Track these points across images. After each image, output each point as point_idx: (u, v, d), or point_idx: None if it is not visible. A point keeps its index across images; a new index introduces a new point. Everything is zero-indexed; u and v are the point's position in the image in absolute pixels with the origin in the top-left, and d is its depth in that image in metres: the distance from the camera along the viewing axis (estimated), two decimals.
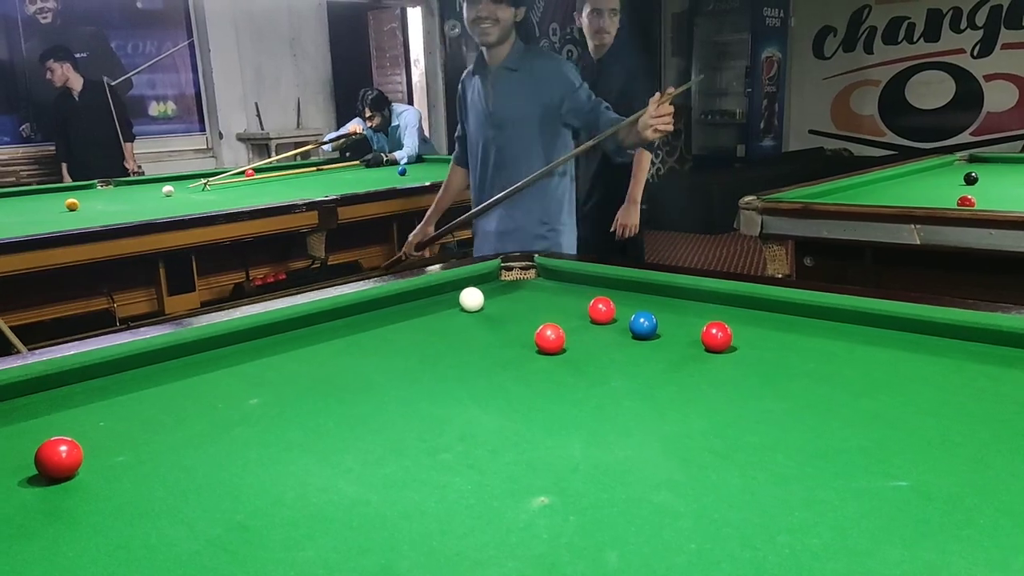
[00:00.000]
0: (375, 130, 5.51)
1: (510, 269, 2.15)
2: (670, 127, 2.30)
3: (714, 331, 1.46)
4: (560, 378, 1.42)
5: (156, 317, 3.27)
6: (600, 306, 1.69)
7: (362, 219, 3.79)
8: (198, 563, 0.89)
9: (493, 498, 1.00)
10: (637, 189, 3.39)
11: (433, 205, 3.17)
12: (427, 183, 4.08)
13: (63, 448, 1.08)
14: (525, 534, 0.91)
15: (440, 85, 8.07)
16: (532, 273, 2.14)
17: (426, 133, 6.22)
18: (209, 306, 3.44)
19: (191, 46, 7.06)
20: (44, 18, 6.08)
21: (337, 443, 1.19)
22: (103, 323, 3.16)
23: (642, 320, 1.56)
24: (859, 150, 8.07)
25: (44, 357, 1.45)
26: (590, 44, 3.61)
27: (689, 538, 0.88)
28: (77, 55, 5.66)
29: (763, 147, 8.10)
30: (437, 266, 2.23)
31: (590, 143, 2.62)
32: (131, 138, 5.65)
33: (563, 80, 2.70)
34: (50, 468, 1.08)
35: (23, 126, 6.11)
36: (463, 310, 1.82)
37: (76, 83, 5.38)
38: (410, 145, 5.35)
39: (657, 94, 2.31)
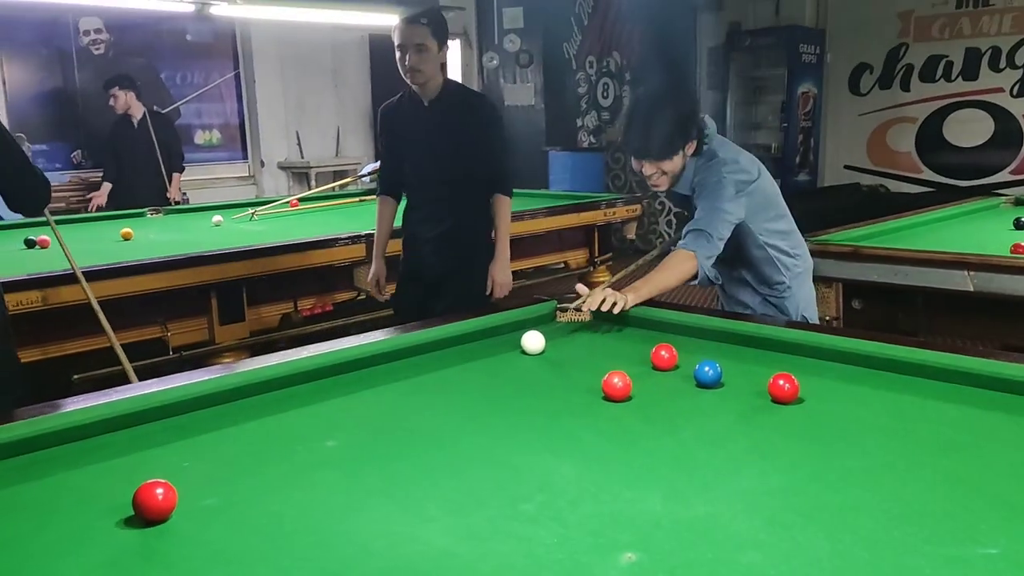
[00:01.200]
0: None
1: (564, 310, 2.17)
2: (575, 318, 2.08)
3: (781, 382, 1.48)
4: (630, 426, 1.43)
5: (207, 346, 3.33)
6: (663, 353, 1.70)
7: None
8: None
9: (580, 553, 1.02)
10: (504, 240, 3.05)
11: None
12: None
13: (159, 491, 1.12)
14: None
15: None
16: (587, 314, 2.16)
17: None
18: (257, 336, 3.50)
19: (237, 77, 7.23)
20: (97, 49, 6.26)
21: (417, 490, 1.21)
22: (156, 351, 3.21)
23: (707, 369, 1.58)
24: (896, 186, 8.02)
25: (126, 395, 1.50)
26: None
27: None
28: (127, 89, 5.81)
29: (798, 182, 8.08)
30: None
31: None
32: (181, 169, 5.78)
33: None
34: (147, 511, 1.11)
35: (74, 153, 6.28)
36: (524, 352, 1.84)
37: (137, 111, 5.53)
38: None
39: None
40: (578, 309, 2.18)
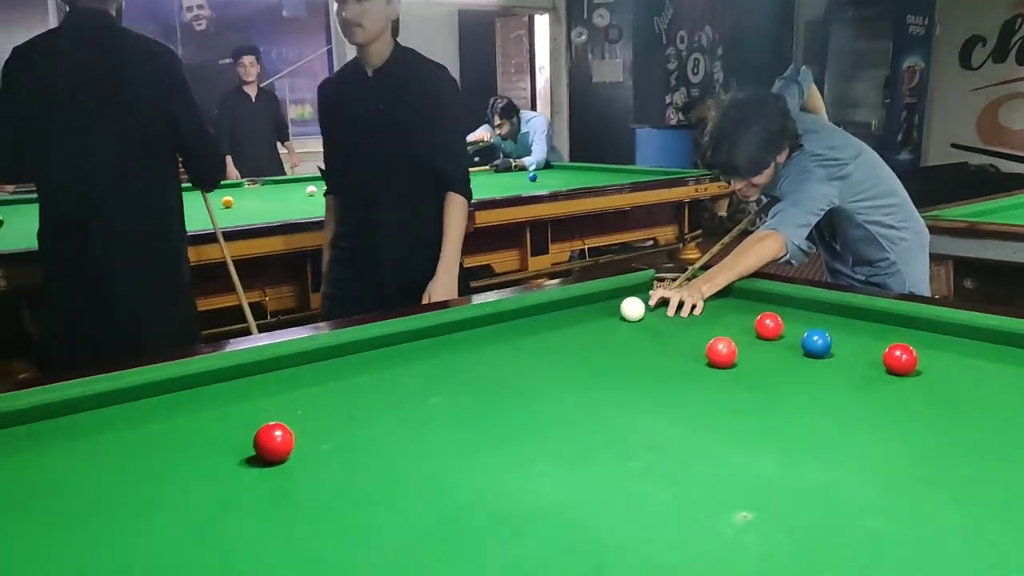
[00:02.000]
0: (504, 137, 5.59)
1: (662, 280, 2.14)
2: None
3: (898, 353, 1.42)
4: (736, 392, 1.41)
5: (302, 312, 3.42)
6: (768, 321, 1.67)
7: (497, 224, 3.85)
8: (422, 550, 0.93)
9: (694, 509, 1.01)
10: (451, 252, 2.35)
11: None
12: (560, 190, 4.12)
13: (278, 433, 1.16)
14: (735, 548, 0.92)
15: (564, 91, 8.12)
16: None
17: (553, 140, 6.27)
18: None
19: (328, 52, 7.36)
20: (199, 25, 6.46)
21: (524, 446, 1.22)
22: (256, 316, 3.32)
23: (816, 338, 1.54)
24: (1007, 166, 7.62)
25: (244, 347, 1.55)
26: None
27: (913, 568, 0.86)
28: (223, 61, 6.01)
29: (900, 160, 7.77)
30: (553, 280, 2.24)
31: None
32: (288, 138, 6.07)
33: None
34: (267, 452, 1.15)
35: None
36: (623, 319, 1.83)
37: (254, 85, 5.74)
38: (539, 152, 5.41)
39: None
40: (674, 280, 2.15)
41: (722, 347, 1.50)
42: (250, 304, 3.33)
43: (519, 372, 1.56)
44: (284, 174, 5.68)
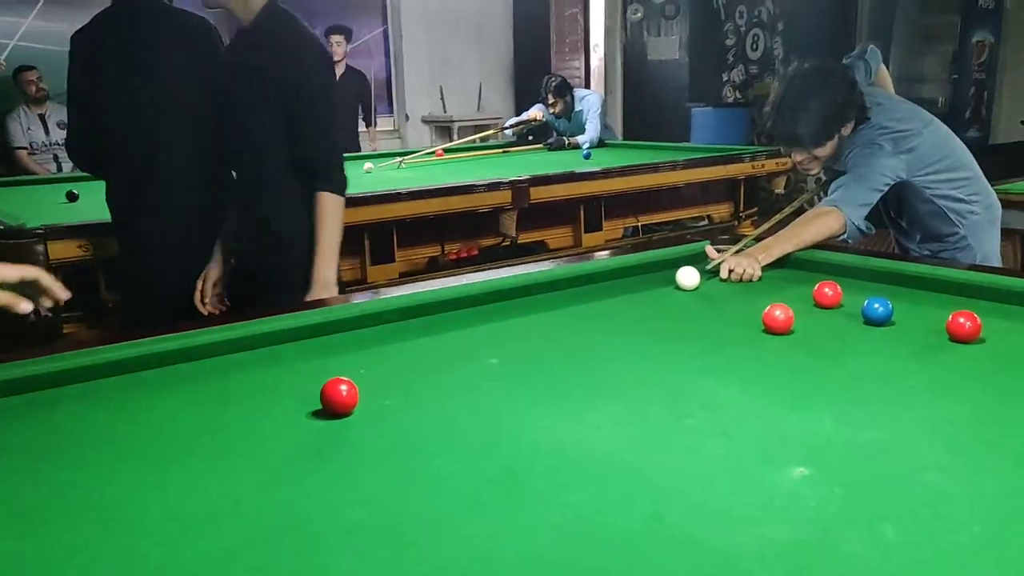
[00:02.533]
0: (557, 116, 5.59)
1: (719, 251, 2.14)
2: None
3: (962, 320, 1.41)
4: (793, 357, 1.41)
5: (359, 285, 3.49)
6: (826, 290, 1.66)
7: (552, 200, 3.87)
8: (479, 496, 0.97)
9: (749, 463, 1.03)
10: (325, 259, 2.05)
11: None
12: (614, 167, 4.11)
13: (344, 388, 1.20)
14: (790, 500, 0.93)
15: (619, 70, 8.05)
16: None
17: (607, 118, 6.25)
18: (407, 277, 3.63)
19: (385, 33, 7.43)
20: None
21: (580, 403, 1.25)
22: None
23: (876, 305, 1.53)
24: None
25: (310, 310, 1.61)
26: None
27: (969, 519, 0.87)
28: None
29: (968, 138, 7.53)
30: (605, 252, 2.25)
31: None
32: (373, 122, 6.18)
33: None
34: (333, 404, 1.20)
35: None
36: (679, 288, 1.83)
37: (341, 65, 5.80)
38: (592, 130, 5.40)
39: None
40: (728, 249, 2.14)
41: (779, 313, 1.50)
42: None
43: (576, 336, 1.58)
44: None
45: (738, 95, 8.18)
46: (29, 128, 5.53)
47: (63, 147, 5.61)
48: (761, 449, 1.06)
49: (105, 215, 2.49)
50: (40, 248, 2.49)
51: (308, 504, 0.97)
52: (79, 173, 4.86)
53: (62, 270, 2.52)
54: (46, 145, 5.60)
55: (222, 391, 1.34)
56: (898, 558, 0.80)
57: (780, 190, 4.96)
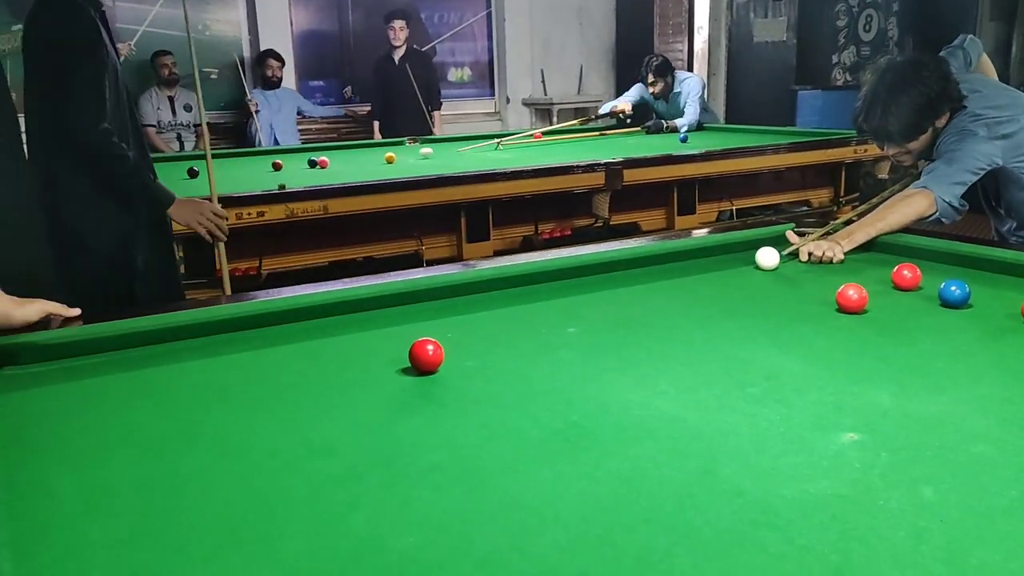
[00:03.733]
0: (656, 96, 5.58)
1: (802, 235, 2.16)
2: None
3: None
4: (863, 336, 1.45)
5: (455, 262, 3.63)
6: (905, 272, 1.67)
7: (645, 182, 3.91)
8: (548, 446, 1.06)
9: (802, 428, 1.09)
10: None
11: None
12: (709, 150, 4.11)
13: (430, 347, 1.32)
14: (836, 461, 0.99)
15: (723, 52, 7.93)
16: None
17: (707, 102, 6.19)
18: (501, 255, 3.75)
19: (488, 16, 7.55)
20: None
21: (649, 370, 1.33)
22: (411, 264, 3.56)
23: (954, 288, 1.53)
24: None
25: (400, 278, 1.74)
26: None
27: (1010, 485, 0.91)
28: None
29: None
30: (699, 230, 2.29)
31: None
32: (438, 106, 6.16)
33: None
34: (420, 363, 1.31)
35: (345, 88, 6.92)
36: (758, 267, 1.87)
37: (401, 48, 5.98)
38: (691, 113, 5.37)
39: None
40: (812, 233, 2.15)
41: (852, 292, 1.53)
42: (406, 254, 3.58)
43: (651, 310, 1.66)
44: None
45: (848, 77, 7.92)
46: (159, 108, 5.93)
47: (186, 127, 6.00)
48: (815, 416, 1.12)
49: (221, 190, 2.70)
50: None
51: (393, 446, 1.08)
52: (197, 152, 5.19)
53: (183, 238, 2.75)
54: (171, 125, 5.99)
55: (317, 348, 1.48)
56: (931, 514, 0.85)
57: (884, 175, 4.83)
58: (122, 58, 5.86)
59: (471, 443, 1.08)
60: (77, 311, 1.50)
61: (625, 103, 5.74)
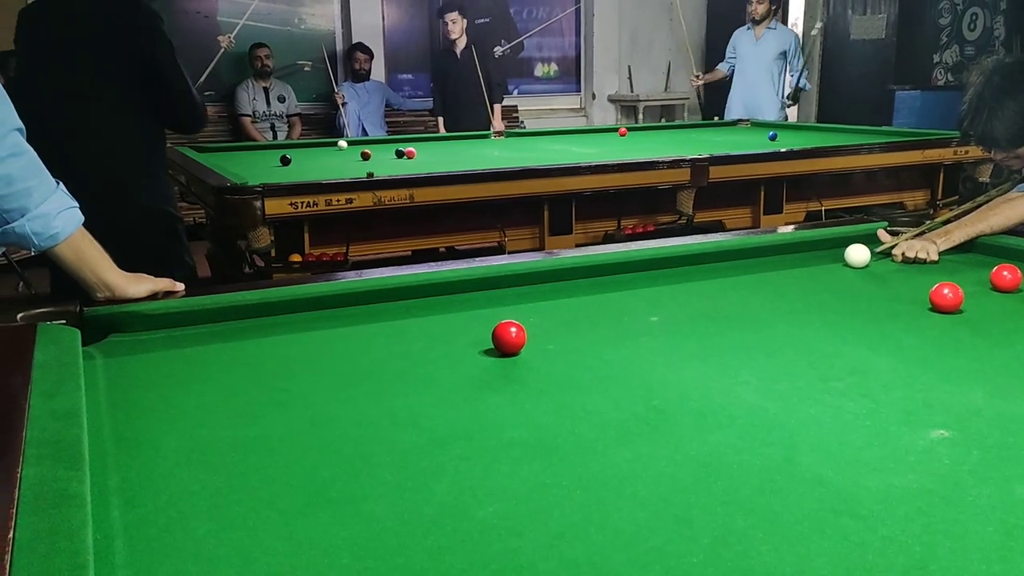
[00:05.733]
0: (757, 19, 5.53)
1: (895, 233, 2.10)
2: None
3: None
4: (957, 335, 1.40)
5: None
6: (1005, 273, 1.61)
7: (731, 180, 3.85)
8: (627, 428, 1.07)
9: (889, 423, 1.06)
10: None
11: None
12: (798, 148, 4.03)
13: (513, 330, 1.34)
14: (924, 456, 0.97)
15: (817, 49, 7.72)
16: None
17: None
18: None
19: (577, 12, 7.55)
20: None
21: (731, 360, 1.32)
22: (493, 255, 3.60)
23: None
24: None
25: (486, 264, 1.77)
26: None
27: None
28: (480, 20, 6.34)
29: None
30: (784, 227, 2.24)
31: None
32: (499, 99, 6.12)
33: None
34: (503, 344, 1.34)
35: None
36: (847, 265, 1.83)
37: (462, 42, 5.96)
38: (800, 66, 5.29)
39: None
40: (906, 232, 2.09)
41: (947, 291, 1.49)
42: (488, 247, 3.62)
43: (735, 303, 1.64)
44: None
45: (950, 78, 7.61)
46: (254, 98, 6.15)
47: (279, 118, 6.20)
48: (904, 412, 1.09)
49: (312, 177, 2.80)
50: (258, 204, 2.83)
51: (474, 421, 1.11)
52: (291, 140, 5.35)
53: (274, 223, 2.85)
54: (265, 115, 6.20)
55: (406, 328, 1.52)
56: (1023, 512, 0.83)
57: (986, 178, 4.63)
58: (222, 50, 6.12)
59: (550, 422, 1.10)
60: (182, 286, 1.58)
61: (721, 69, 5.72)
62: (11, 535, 0.68)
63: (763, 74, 5.50)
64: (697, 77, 6.16)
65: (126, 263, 1.53)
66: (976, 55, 7.41)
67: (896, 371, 1.25)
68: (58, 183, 1.45)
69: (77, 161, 2.43)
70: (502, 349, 1.34)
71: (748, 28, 5.58)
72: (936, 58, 7.61)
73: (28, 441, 0.87)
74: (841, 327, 1.46)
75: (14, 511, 0.72)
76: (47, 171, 1.42)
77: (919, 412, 1.09)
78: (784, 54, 5.56)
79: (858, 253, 1.82)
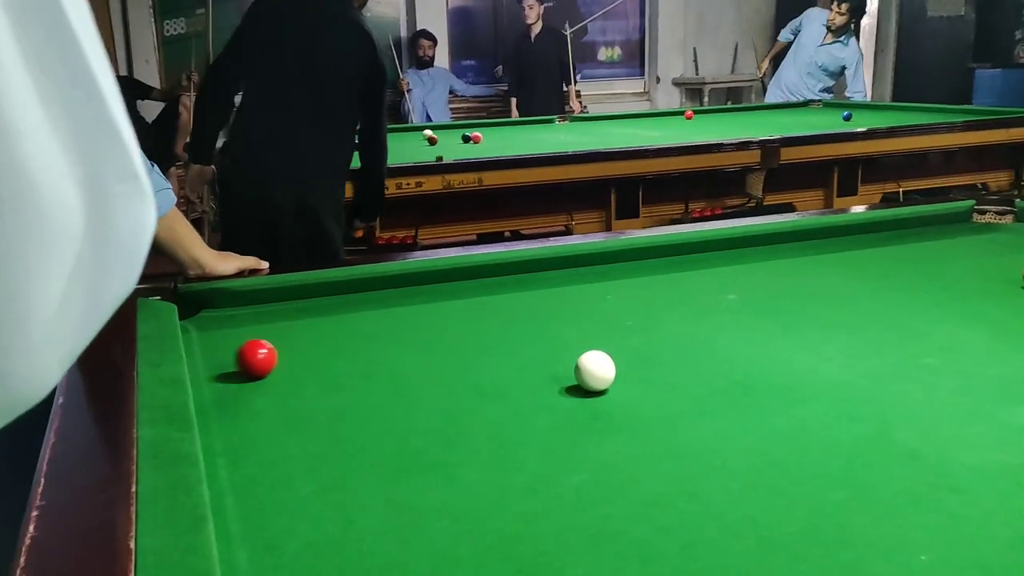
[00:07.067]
0: (833, 30, 5.39)
1: (983, 212, 2.04)
2: None
3: None
4: None
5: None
6: None
7: (803, 161, 3.77)
8: (710, 402, 1.07)
9: (983, 399, 1.04)
10: None
11: None
12: (874, 128, 3.92)
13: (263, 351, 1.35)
14: (1020, 433, 0.95)
15: (892, 27, 7.49)
16: (1010, 218, 2.01)
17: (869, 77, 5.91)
18: None
19: None
20: None
21: (815, 337, 1.30)
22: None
23: None
24: None
25: (563, 243, 1.78)
26: None
27: None
28: (545, 3, 6.31)
29: None
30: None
31: None
32: (572, 81, 6.19)
33: None
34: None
35: (497, 68, 7.04)
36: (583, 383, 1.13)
37: (537, 26, 6.00)
38: (862, 80, 5.15)
39: None
40: (999, 213, 2.03)
41: None
42: (555, 230, 3.62)
43: (814, 280, 1.62)
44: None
45: None
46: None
47: None
48: (999, 388, 1.07)
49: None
50: None
51: (557, 395, 1.12)
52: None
53: (345, 207, 2.91)
54: None
55: (485, 305, 1.54)
56: None
57: None
58: None
59: (633, 396, 1.11)
60: (266, 265, 1.63)
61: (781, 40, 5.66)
62: (134, 489, 0.72)
63: (816, 74, 5.38)
64: (760, 68, 6.10)
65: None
66: None
67: (988, 347, 1.22)
68: (152, 165, 1.50)
69: (301, 143, 2.69)
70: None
71: (823, 25, 5.44)
72: (1018, 35, 7.30)
73: (140, 405, 0.91)
74: (928, 303, 1.43)
75: (135, 467, 0.76)
76: (143, 153, 1.47)
77: (1013, 388, 1.07)
78: (843, 69, 5.43)
79: (596, 367, 1.11)
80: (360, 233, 3.09)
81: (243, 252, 1.64)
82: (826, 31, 5.38)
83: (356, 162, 2.91)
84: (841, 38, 5.28)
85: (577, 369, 1.10)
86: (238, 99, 2.79)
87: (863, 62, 5.23)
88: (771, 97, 5.75)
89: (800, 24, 5.65)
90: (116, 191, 0.38)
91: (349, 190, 2.93)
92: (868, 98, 5.10)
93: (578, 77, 6.51)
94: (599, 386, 1.10)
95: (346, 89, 2.76)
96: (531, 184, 3.38)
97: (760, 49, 7.17)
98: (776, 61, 5.91)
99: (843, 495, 0.83)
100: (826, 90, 5.47)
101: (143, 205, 0.40)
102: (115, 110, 0.39)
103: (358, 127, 2.85)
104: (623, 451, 0.95)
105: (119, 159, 0.39)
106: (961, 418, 0.99)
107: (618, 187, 3.62)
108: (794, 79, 5.54)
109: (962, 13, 7.36)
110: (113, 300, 0.41)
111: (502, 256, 1.70)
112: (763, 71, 6.05)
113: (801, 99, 5.39)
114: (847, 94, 5.20)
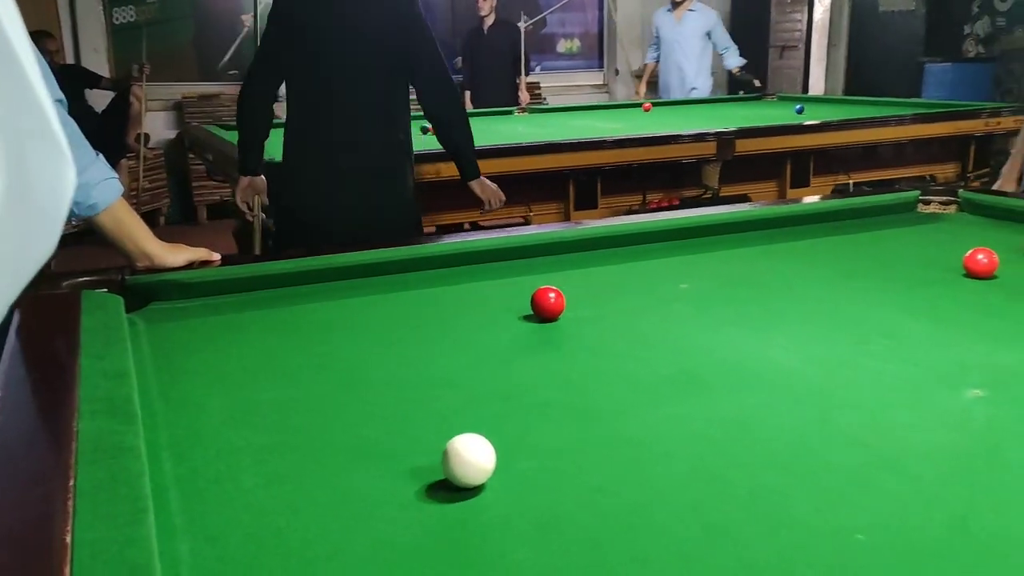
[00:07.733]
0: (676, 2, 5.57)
1: (928, 203, 2.08)
2: None
3: None
4: (992, 300, 1.40)
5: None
6: None
7: (758, 153, 3.82)
8: (660, 390, 1.09)
9: (924, 384, 1.07)
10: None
11: None
12: (825, 121, 3.98)
13: (552, 295, 1.35)
14: (962, 416, 0.97)
15: (845, 23, 7.61)
16: (953, 208, 2.06)
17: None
18: None
19: None
20: None
21: (764, 325, 1.32)
22: None
23: None
24: None
25: (517, 233, 1.78)
26: None
27: None
28: None
29: None
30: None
31: None
32: (523, 73, 6.14)
33: None
34: (541, 309, 1.35)
35: (456, 59, 7.00)
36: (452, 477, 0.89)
37: (489, 19, 5.95)
38: (730, 41, 5.33)
39: None
40: (943, 203, 2.08)
41: (981, 256, 1.48)
42: (514, 222, 3.62)
43: (765, 270, 1.64)
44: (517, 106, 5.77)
45: (981, 49, 7.47)
46: None
47: None
48: (939, 373, 1.10)
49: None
50: None
51: (510, 383, 1.13)
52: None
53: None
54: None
55: (440, 295, 1.53)
56: None
57: None
58: (246, 29, 6.08)
59: (585, 384, 1.11)
60: (218, 256, 1.60)
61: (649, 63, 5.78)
62: (72, 483, 0.71)
63: (689, 55, 5.52)
64: (638, 93, 6.19)
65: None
66: (1008, 26, 7.26)
67: (929, 334, 1.25)
68: (98, 154, 1.47)
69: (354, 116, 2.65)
70: (541, 315, 1.35)
71: (668, 10, 5.58)
72: (967, 29, 7.47)
73: (82, 398, 0.89)
74: (874, 293, 1.46)
75: (73, 460, 0.74)
76: (87, 142, 1.44)
77: (954, 374, 1.09)
78: (708, 34, 5.59)
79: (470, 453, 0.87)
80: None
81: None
82: (672, 7, 5.53)
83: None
84: (690, 7, 5.43)
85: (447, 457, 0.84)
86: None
87: (721, 20, 5.41)
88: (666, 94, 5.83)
89: (656, 30, 5.79)
90: (32, 148, 0.37)
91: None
92: (742, 61, 5.32)
93: (537, 69, 6.51)
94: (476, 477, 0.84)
95: (393, 57, 2.66)
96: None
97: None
98: (652, 82, 6.01)
99: (786, 480, 0.85)
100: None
101: (61, 164, 0.39)
102: (28, 69, 0.38)
103: (412, 88, 2.79)
104: (571, 438, 0.96)
105: (34, 117, 0.38)
106: (902, 402, 1.02)
107: (577, 178, 3.64)
108: (679, 75, 5.66)
109: (913, 8, 7.50)
110: (34, 262, 0.40)
111: (458, 247, 1.70)
112: (641, 93, 6.13)
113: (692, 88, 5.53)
114: (720, 51, 5.38)
